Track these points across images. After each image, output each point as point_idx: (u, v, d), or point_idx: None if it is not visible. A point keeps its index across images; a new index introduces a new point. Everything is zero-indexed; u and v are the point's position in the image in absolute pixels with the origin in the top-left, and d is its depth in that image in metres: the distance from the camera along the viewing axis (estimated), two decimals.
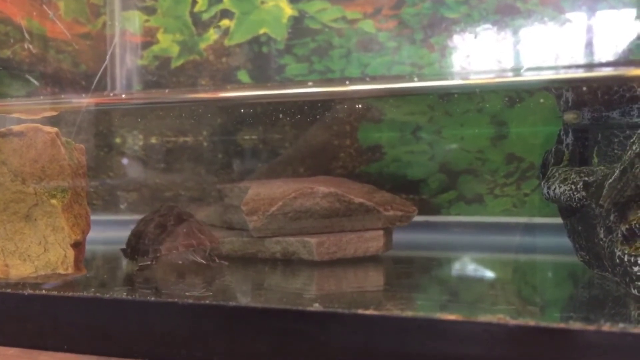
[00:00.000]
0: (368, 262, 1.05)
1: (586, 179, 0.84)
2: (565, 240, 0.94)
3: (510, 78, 0.90)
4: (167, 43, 1.30)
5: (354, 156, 1.37)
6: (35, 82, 1.28)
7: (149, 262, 0.95)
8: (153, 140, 1.46)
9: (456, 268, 1.07)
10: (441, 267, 1.11)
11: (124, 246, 1.02)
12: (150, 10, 1.30)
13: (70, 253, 0.88)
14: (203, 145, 1.45)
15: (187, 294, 0.78)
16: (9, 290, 0.78)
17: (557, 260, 1.09)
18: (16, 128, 0.89)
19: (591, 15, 1.02)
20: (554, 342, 0.58)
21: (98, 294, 0.75)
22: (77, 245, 0.89)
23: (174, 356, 0.69)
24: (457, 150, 1.31)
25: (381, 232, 1.07)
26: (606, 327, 0.57)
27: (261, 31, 1.26)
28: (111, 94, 1.15)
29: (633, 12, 1.00)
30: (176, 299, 0.71)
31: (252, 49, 1.28)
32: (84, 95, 1.04)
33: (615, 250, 0.74)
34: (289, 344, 0.66)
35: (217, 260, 0.98)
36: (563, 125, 0.95)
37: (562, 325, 0.58)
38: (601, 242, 0.79)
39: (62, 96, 1.19)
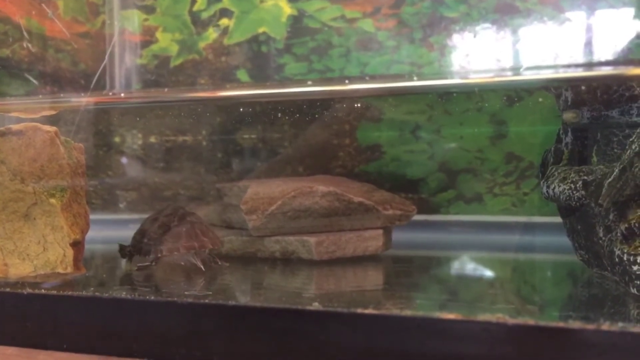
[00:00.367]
0: (367, 261, 1.05)
1: (585, 178, 0.84)
2: (564, 239, 0.94)
3: (509, 77, 0.90)
4: (166, 42, 1.30)
5: (353, 155, 1.36)
6: (34, 81, 1.28)
7: (147, 263, 0.95)
8: (152, 139, 1.46)
9: (455, 267, 1.07)
10: (440, 266, 1.11)
11: (124, 244, 1.02)
12: (149, 9, 1.30)
13: (70, 252, 0.88)
14: (202, 144, 1.45)
15: (186, 293, 0.78)
16: (8, 290, 0.78)
17: (557, 259, 1.09)
18: (15, 127, 0.89)
19: (590, 14, 1.02)
20: (553, 341, 0.58)
21: (97, 293, 0.75)
22: (76, 245, 0.89)
23: (173, 355, 0.69)
24: (456, 149, 1.31)
25: (380, 231, 1.07)
26: (605, 326, 0.57)
27: (260, 30, 1.26)
28: (110, 93, 1.15)
29: (632, 11, 1.00)
30: (175, 298, 0.71)
31: (251, 48, 1.28)
32: (83, 94, 1.04)
33: (615, 249, 0.74)
34: (288, 343, 0.66)
35: (218, 262, 0.98)
36: (562, 124, 0.95)
37: (561, 324, 0.58)
38: (600, 241, 0.79)
39: (61, 95, 1.19)
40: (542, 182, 0.94)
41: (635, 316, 0.67)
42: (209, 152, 1.45)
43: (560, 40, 1.06)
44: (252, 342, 0.67)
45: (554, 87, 0.94)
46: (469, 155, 1.31)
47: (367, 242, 1.06)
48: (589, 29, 1.02)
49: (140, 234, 1.00)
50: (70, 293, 0.75)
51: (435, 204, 1.35)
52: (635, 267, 0.70)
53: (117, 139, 1.46)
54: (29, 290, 0.77)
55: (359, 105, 1.34)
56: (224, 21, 1.27)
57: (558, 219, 0.95)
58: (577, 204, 0.85)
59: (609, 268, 0.78)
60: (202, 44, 1.29)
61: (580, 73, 0.85)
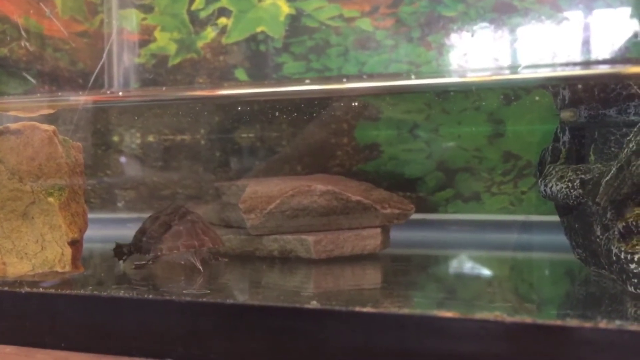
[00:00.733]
0: (365, 260, 1.05)
1: (583, 176, 0.84)
2: (562, 238, 0.94)
3: (507, 76, 0.90)
4: (164, 41, 1.30)
5: (351, 154, 1.37)
6: (33, 80, 1.28)
7: (144, 262, 0.95)
8: (150, 138, 1.46)
9: (453, 266, 1.07)
10: (438, 264, 1.11)
11: (121, 243, 1.02)
12: (147, 9, 1.30)
13: (68, 251, 0.88)
14: (200, 143, 1.45)
15: (184, 291, 0.78)
16: (6, 289, 0.78)
17: (554, 258, 1.09)
18: (13, 126, 0.89)
19: (588, 13, 1.02)
20: (550, 339, 0.58)
21: (95, 292, 0.75)
22: (75, 243, 0.89)
23: (171, 354, 0.69)
24: (454, 148, 1.31)
25: (378, 230, 1.07)
26: (603, 324, 0.57)
27: (258, 29, 1.26)
28: (108, 92, 1.15)
29: (629, 10, 1.00)
30: (173, 297, 0.71)
31: (249, 47, 1.28)
32: (81, 93, 1.04)
33: (612, 248, 0.74)
34: (286, 341, 0.66)
35: (218, 259, 0.98)
36: (560, 123, 0.95)
37: (559, 322, 0.58)
38: (598, 240, 0.80)
39: (60, 94, 1.19)
40: (539, 181, 0.94)
41: (632, 314, 0.67)
42: (207, 151, 1.45)
43: (558, 39, 1.06)
44: (251, 341, 0.67)
45: (551, 85, 0.94)
46: (467, 154, 1.31)
47: (365, 240, 1.06)
48: (586, 27, 1.02)
49: (141, 232, 1.00)
50: (68, 292, 0.75)
51: (433, 203, 1.35)
52: (632, 266, 0.70)
53: (115, 138, 1.46)
54: (27, 289, 0.77)
55: (357, 104, 1.34)
56: (222, 20, 1.27)
57: (556, 218, 0.95)
58: (575, 202, 0.85)
59: (606, 266, 0.78)
60: (200, 43, 1.29)
61: (577, 72, 0.85)
